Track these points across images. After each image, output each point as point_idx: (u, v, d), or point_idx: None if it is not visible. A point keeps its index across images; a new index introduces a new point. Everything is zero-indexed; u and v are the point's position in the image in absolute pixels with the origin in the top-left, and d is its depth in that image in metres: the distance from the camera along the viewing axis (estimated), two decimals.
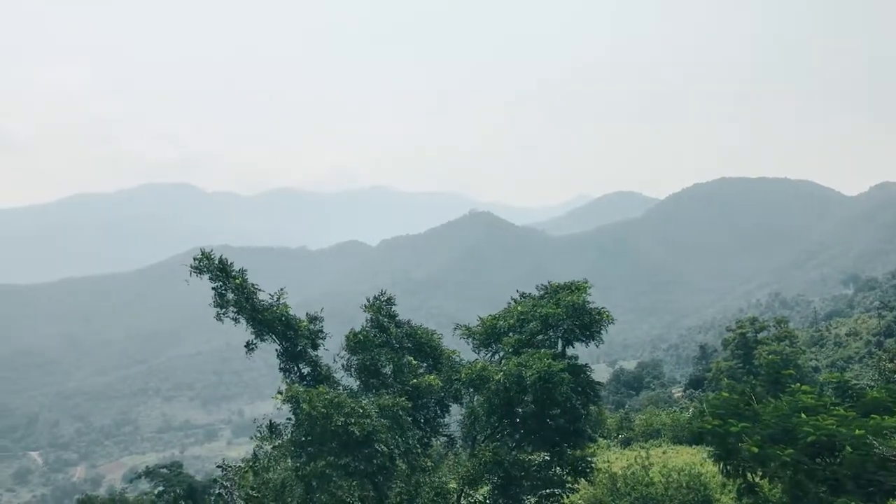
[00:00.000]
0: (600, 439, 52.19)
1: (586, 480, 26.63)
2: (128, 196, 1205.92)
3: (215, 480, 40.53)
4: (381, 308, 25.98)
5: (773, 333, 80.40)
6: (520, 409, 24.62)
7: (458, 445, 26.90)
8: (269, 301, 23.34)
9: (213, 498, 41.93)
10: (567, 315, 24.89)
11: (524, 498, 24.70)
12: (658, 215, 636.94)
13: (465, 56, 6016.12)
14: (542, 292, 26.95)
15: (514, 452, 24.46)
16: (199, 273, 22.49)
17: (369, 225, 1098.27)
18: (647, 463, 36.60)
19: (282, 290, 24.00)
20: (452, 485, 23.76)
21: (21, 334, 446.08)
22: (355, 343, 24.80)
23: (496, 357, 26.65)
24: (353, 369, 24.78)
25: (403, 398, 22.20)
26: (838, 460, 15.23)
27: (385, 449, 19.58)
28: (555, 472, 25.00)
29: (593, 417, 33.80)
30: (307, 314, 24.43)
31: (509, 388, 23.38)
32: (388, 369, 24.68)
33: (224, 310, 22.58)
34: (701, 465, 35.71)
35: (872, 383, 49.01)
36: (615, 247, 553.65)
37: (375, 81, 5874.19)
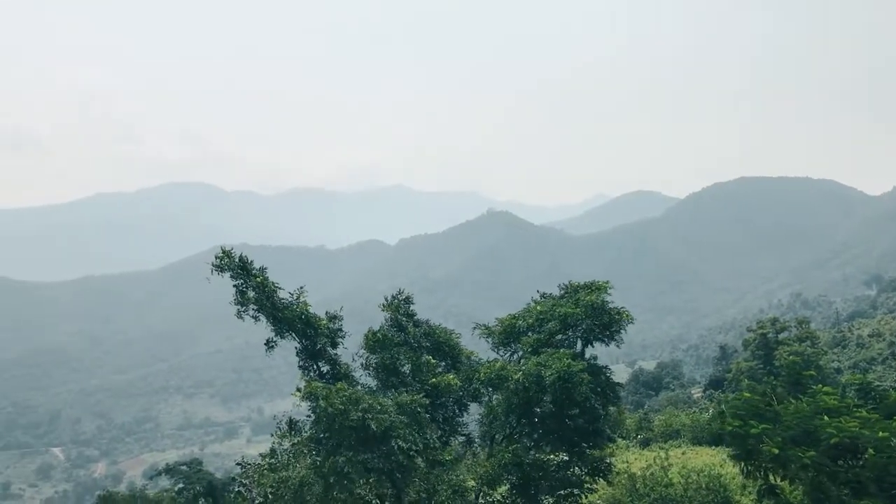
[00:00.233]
0: (619, 440, 51.97)
1: (605, 481, 26.57)
2: (148, 195, 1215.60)
3: (234, 479, 40.81)
4: (399, 307, 26.03)
5: (794, 334, 79.61)
6: (538, 409, 24.60)
7: (476, 444, 26.91)
8: (289, 299, 23.43)
9: (232, 495, 42.19)
10: (586, 315, 24.84)
11: (542, 497, 24.67)
12: (678, 215, 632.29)
13: (477, 55, 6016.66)
14: (562, 292, 26.89)
15: (532, 452, 24.43)
16: (221, 271, 22.56)
17: (387, 224, 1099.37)
18: (666, 464, 36.37)
19: (301, 288, 24.02)
20: (471, 483, 23.76)
21: (43, 332, 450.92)
22: (374, 342, 24.88)
23: (515, 357, 26.64)
24: (371, 368, 24.85)
25: (421, 395, 22.23)
26: (861, 462, 15.10)
27: (403, 444, 19.59)
28: (573, 472, 24.97)
29: (612, 418, 33.66)
30: (327, 312, 24.50)
31: (528, 387, 23.36)
32: (406, 368, 24.75)
33: (245, 307, 22.65)
34: (721, 466, 35.47)
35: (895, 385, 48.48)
36: (634, 246, 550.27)
37: (387, 81, 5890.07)
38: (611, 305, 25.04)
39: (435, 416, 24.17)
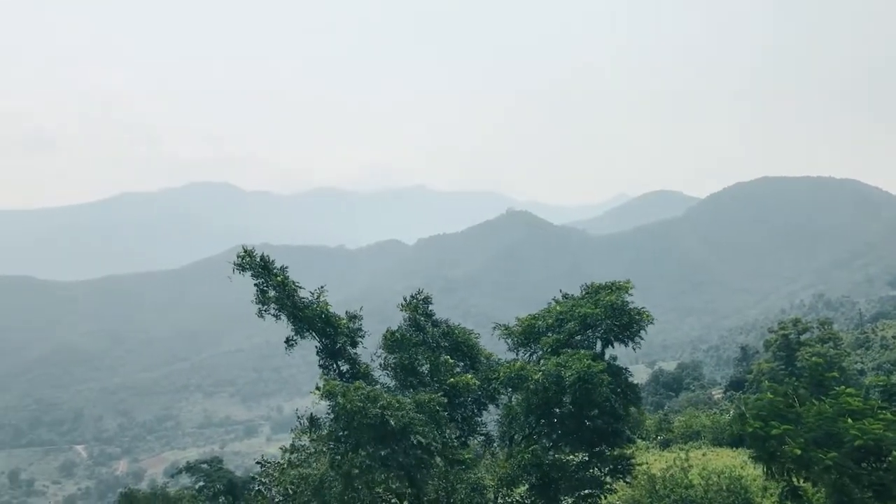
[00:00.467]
0: (639, 441, 51.74)
1: (625, 482, 26.46)
2: (170, 195, 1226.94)
3: (253, 478, 41.04)
4: (418, 307, 26.05)
5: (816, 335, 78.74)
6: (558, 410, 24.51)
7: (495, 444, 26.88)
8: (310, 299, 23.54)
9: (252, 493, 42.43)
10: (606, 315, 24.73)
11: (561, 498, 24.60)
12: (699, 215, 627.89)
13: (496, 53, 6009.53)
14: (584, 292, 26.80)
15: (551, 453, 24.36)
16: (242, 270, 22.74)
17: (406, 223, 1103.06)
18: (686, 465, 36.19)
19: (322, 287, 24.15)
20: (489, 482, 23.75)
21: (65, 331, 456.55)
22: (392, 342, 24.94)
23: (534, 357, 26.58)
24: (390, 368, 24.91)
25: (440, 395, 22.25)
26: (885, 465, 14.94)
27: (422, 441, 19.63)
28: (593, 472, 24.88)
29: (632, 419, 33.54)
30: (346, 312, 24.60)
31: (548, 388, 23.30)
32: (424, 368, 24.75)
33: (266, 306, 22.81)
34: (741, 467, 35.20)
35: None
36: (655, 246, 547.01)
37: (401, 81, 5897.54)
38: (631, 306, 24.93)
39: (453, 415, 24.16)
